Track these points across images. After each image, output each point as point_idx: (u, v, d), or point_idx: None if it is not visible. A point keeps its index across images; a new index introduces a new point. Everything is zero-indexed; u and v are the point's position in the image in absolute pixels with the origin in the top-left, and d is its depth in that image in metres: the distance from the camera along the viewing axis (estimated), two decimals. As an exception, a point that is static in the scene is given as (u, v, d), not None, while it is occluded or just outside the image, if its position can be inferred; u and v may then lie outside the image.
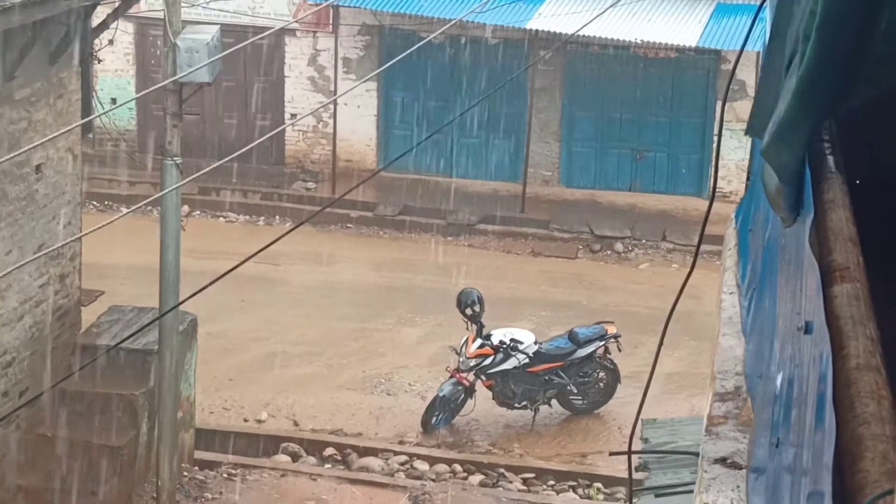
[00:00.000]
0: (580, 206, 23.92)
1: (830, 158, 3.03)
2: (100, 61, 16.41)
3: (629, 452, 8.66)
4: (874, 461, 1.67)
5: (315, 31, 24.66)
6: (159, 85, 14.95)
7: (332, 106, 24.20)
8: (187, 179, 14.56)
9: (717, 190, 12.39)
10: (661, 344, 5.79)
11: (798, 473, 2.66)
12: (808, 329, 2.51)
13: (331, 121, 24.73)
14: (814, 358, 2.30)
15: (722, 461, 4.39)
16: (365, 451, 16.33)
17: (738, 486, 4.19)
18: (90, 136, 20.14)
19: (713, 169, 21.88)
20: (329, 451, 16.36)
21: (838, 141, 3.24)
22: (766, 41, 4.20)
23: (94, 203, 22.80)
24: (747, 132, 3.46)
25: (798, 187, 3.17)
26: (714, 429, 4.60)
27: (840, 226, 2.43)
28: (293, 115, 24.80)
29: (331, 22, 24.48)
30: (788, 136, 2.99)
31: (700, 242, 5.07)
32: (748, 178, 7.66)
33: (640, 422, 10.49)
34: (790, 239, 3.42)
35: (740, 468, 4.27)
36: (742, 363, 5.33)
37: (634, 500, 9.74)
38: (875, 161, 4.03)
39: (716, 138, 22.59)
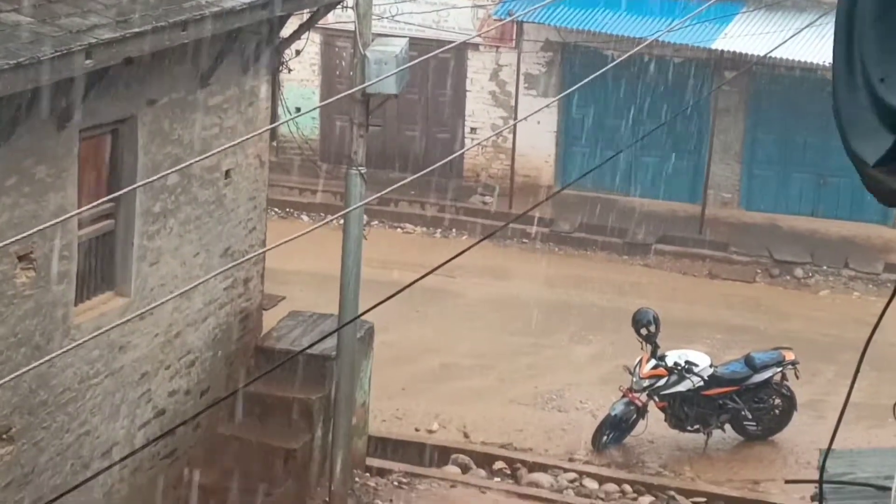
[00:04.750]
0: (760, 229, 23.70)
1: None
2: (290, 71, 16.56)
3: (814, 481, 8.43)
4: None
5: (498, 47, 24.73)
6: (346, 93, 15.07)
7: (513, 122, 24.17)
8: (378, 195, 14.60)
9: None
10: (856, 373, 5.56)
11: None
12: None
13: (510, 135, 24.69)
14: None
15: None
16: (534, 467, 16.32)
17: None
18: (274, 143, 20.37)
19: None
20: (499, 464, 16.39)
21: None
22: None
23: (276, 210, 23.02)
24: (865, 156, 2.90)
25: None
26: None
27: None
28: (473, 129, 24.92)
29: (514, 37, 24.61)
30: None
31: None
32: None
33: (817, 452, 10.20)
34: None
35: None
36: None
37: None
38: None
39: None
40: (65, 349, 11.12)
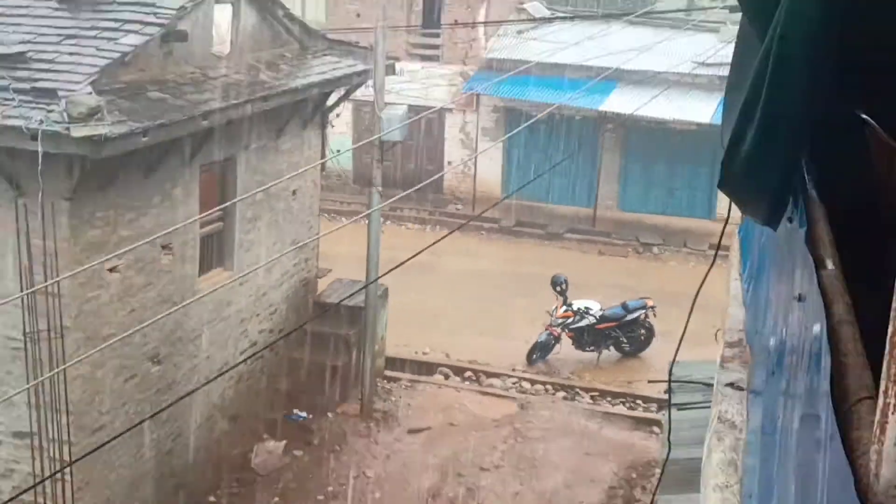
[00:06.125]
0: (631, 223, 23.59)
1: (810, 184, 2.64)
2: (332, 126, 16.67)
3: (665, 381, 8.54)
4: (854, 379, 1.65)
5: (465, 110, 24.76)
6: (368, 140, 15.18)
7: (474, 156, 24.34)
8: (385, 202, 14.73)
9: (721, 213, 12.16)
10: (690, 312, 5.70)
11: (790, 396, 2.62)
12: (800, 298, 2.47)
13: (472, 166, 24.81)
14: (807, 320, 2.27)
15: (731, 385, 4.37)
16: (490, 375, 16.37)
17: (741, 401, 4.16)
18: (324, 172, 20.49)
19: (717, 199, 21.54)
20: (468, 374, 16.42)
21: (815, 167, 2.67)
22: (724, 96, 3.37)
23: (325, 214, 23.16)
24: (720, 184, 2.76)
25: (773, 208, 2.76)
26: (725, 364, 4.57)
27: (822, 234, 2.38)
28: (449, 163, 24.93)
29: (475, 105, 24.58)
30: (762, 173, 2.44)
31: (719, 246, 5.00)
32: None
33: (667, 363, 10.30)
34: (783, 242, 3.34)
35: (742, 390, 4.25)
36: (743, 324, 5.29)
37: (664, 411, 9.63)
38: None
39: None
40: (191, 301, 11.31)
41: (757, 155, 2.36)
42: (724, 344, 4.96)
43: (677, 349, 5.87)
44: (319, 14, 24.37)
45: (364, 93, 16.45)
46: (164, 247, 11.13)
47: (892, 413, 1.28)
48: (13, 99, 9.21)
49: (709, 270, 5.24)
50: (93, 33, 10.35)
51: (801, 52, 1.97)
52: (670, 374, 9.37)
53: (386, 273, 12.90)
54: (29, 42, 10.16)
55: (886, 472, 1.28)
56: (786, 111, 2.18)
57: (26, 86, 9.40)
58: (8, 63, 9.71)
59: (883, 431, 1.29)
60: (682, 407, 9.44)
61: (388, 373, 15.95)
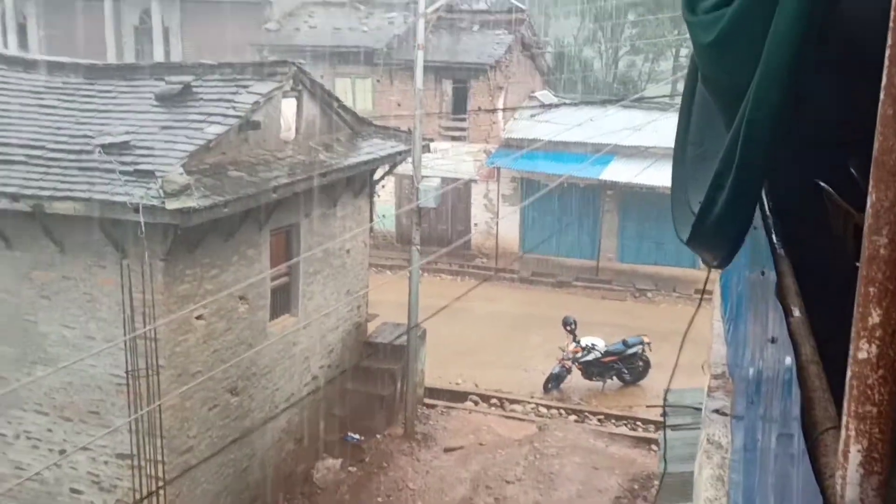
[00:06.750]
0: (628, 272, 23.36)
1: (778, 243, 2.57)
2: (378, 195, 16.78)
3: (661, 406, 8.36)
4: (820, 412, 1.61)
5: (487, 181, 24.84)
6: (408, 207, 15.28)
7: (496, 219, 24.36)
8: (425, 259, 14.72)
9: (703, 263, 11.98)
10: (681, 347, 5.61)
11: (767, 420, 2.56)
12: (773, 340, 2.42)
13: (496, 226, 24.85)
14: (779, 356, 2.22)
15: (716, 411, 4.26)
16: (512, 401, 16.14)
17: (725, 425, 4.07)
18: (371, 234, 20.59)
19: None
20: (493, 400, 16.20)
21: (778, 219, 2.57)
22: (676, 145, 3.19)
23: (373, 268, 23.25)
24: (688, 241, 2.65)
25: (731, 255, 2.66)
26: (712, 393, 4.46)
27: (790, 285, 2.34)
28: (475, 224, 24.98)
29: (496, 176, 24.66)
30: (730, 230, 2.35)
31: (703, 292, 4.93)
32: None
33: (662, 391, 10.10)
34: (758, 290, 3.29)
35: (726, 415, 4.15)
36: (725, 359, 5.18)
37: (661, 432, 9.42)
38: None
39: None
40: (264, 344, 11.31)
41: (727, 216, 2.35)
42: (710, 376, 4.86)
43: (670, 379, 5.78)
44: (367, 104, 24.68)
45: (404, 167, 16.59)
46: (241, 297, 11.16)
47: (853, 443, 1.24)
48: (119, 179, 9.36)
49: (696, 312, 5.17)
50: (184, 124, 10.53)
51: (766, 134, 1.99)
52: (665, 400, 9.22)
53: (427, 318, 12.89)
54: (132, 132, 10.36)
55: (850, 494, 1.25)
56: (752, 184, 2.20)
57: (130, 168, 9.56)
58: (115, 150, 9.90)
59: (846, 458, 1.25)
60: (675, 428, 9.25)
61: (427, 400, 15.81)
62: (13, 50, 23.84)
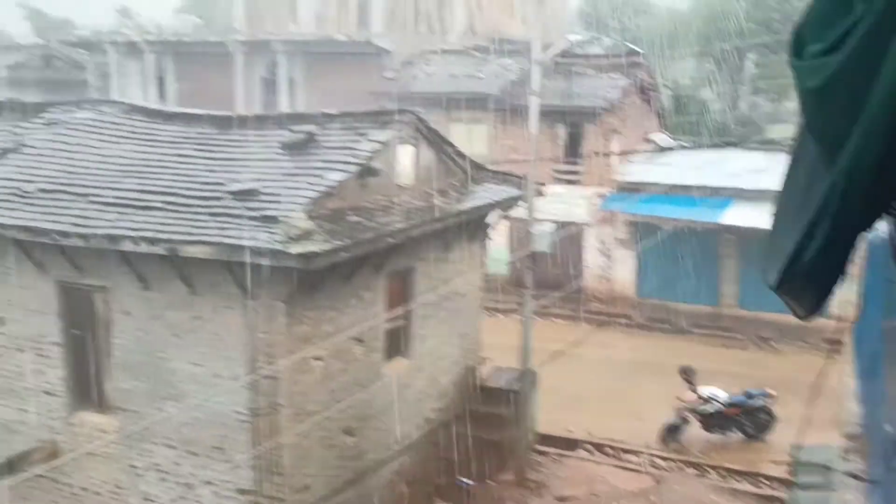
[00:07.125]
0: (750, 319, 22.42)
1: None
2: (491, 239, 16.81)
3: (787, 462, 7.99)
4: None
5: (601, 225, 24.57)
6: (522, 252, 15.26)
7: (612, 262, 23.98)
8: (537, 302, 14.55)
9: (832, 312, 11.37)
10: (809, 400, 5.36)
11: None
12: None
13: (610, 270, 24.43)
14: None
15: (850, 474, 4.03)
16: (626, 451, 15.69)
17: (860, 490, 3.85)
18: (485, 277, 20.62)
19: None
20: (607, 449, 15.79)
21: None
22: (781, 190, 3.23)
23: (487, 311, 23.30)
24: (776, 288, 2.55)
25: (817, 306, 2.60)
26: (845, 455, 4.22)
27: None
28: (588, 268, 24.68)
29: (611, 219, 24.35)
30: (821, 279, 2.11)
31: (833, 344, 4.70)
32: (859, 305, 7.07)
33: (788, 446, 9.63)
34: (893, 344, 3.11)
35: (862, 479, 3.92)
36: (860, 418, 4.91)
37: (790, 490, 8.98)
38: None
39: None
40: (379, 386, 11.39)
41: (817, 267, 2.32)
42: (845, 436, 4.60)
43: (799, 434, 5.50)
44: (482, 148, 24.92)
45: (518, 211, 16.61)
46: (357, 339, 11.28)
47: None
48: (246, 225, 9.78)
49: (826, 362, 4.94)
50: (307, 171, 10.85)
51: (863, 186, 1.95)
52: (793, 456, 8.76)
53: (542, 364, 12.76)
54: (259, 179, 10.80)
55: None
56: (846, 235, 2.18)
57: (257, 214, 9.96)
58: (244, 196, 10.35)
59: None
60: (805, 487, 8.81)
61: (539, 447, 15.54)
62: (153, 102, 25.46)
